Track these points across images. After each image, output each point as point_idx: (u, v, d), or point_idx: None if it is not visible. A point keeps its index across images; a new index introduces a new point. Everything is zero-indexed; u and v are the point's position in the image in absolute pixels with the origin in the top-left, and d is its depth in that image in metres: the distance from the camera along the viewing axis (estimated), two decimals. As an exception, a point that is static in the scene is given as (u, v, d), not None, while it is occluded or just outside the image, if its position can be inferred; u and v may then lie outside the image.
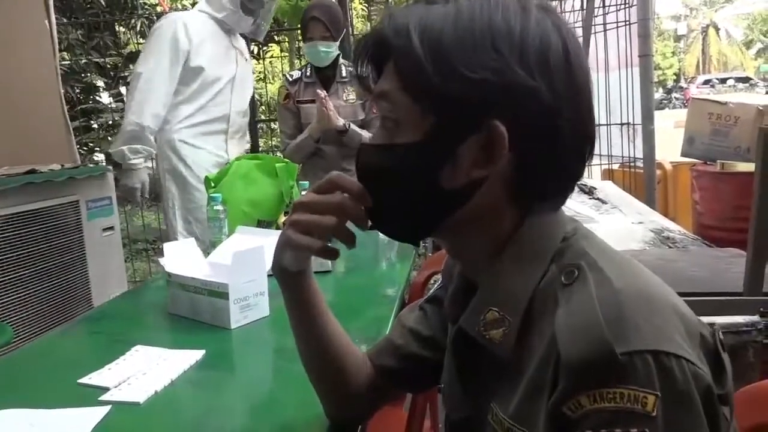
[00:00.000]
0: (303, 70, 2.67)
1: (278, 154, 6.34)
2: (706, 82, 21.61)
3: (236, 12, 2.51)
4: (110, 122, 6.26)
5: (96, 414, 0.90)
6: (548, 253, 0.60)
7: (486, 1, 0.59)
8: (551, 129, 0.58)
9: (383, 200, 0.65)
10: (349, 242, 0.69)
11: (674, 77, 31.30)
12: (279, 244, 0.73)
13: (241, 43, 2.70)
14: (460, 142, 0.59)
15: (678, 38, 36.46)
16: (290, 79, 2.67)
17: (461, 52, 0.56)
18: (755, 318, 1.42)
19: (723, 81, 21.10)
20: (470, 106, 0.57)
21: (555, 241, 0.61)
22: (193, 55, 2.46)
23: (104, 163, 5.00)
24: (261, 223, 2.07)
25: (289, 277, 0.75)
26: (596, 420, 0.48)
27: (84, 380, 1.03)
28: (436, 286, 0.84)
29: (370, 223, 0.68)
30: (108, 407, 0.92)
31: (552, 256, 0.60)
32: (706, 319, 1.43)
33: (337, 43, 2.51)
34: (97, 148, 5.68)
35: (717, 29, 35.34)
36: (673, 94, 20.65)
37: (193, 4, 6.49)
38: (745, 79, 21.53)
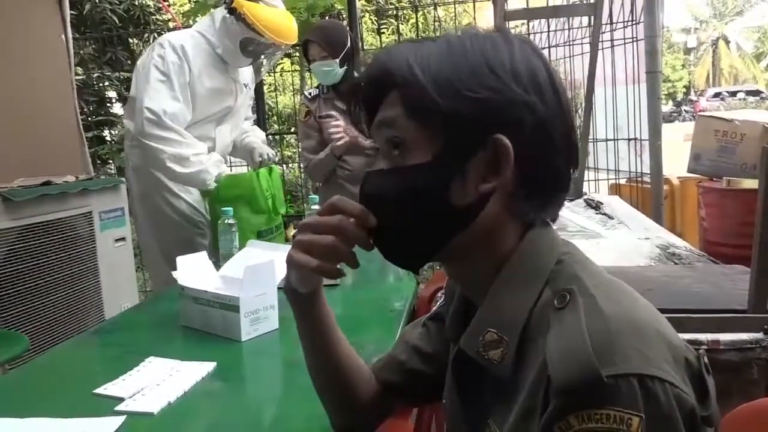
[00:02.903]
0: (321, 88, 2.70)
1: (286, 167, 6.40)
2: (716, 95, 21.49)
3: (235, 51, 2.38)
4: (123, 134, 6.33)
5: (111, 424, 0.93)
6: (543, 275, 0.63)
7: (473, 36, 0.65)
8: (547, 139, 0.63)
9: (393, 225, 0.67)
10: (349, 263, 0.70)
11: (684, 90, 31.20)
12: (286, 265, 0.75)
13: (243, 70, 2.56)
14: (468, 158, 0.62)
15: (688, 51, 36.38)
16: (309, 97, 2.71)
17: (461, 77, 0.62)
18: (759, 335, 1.42)
19: (733, 94, 20.98)
20: (475, 123, 0.62)
21: (550, 263, 0.63)
22: (190, 87, 2.33)
23: (116, 175, 5.07)
24: (261, 234, 2.16)
25: (299, 297, 0.77)
26: None
27: (99, 390, 1.06)
28: (438, 303, 0.86)
29: (372, 243, 0.69)
30: (123, 417, 0.95)
31: (547, 279, 0.62)
32: (710, 336, 1.45)
33: (338, 60, 2.51)
34: (111, 160, 5.74)
35: (727, 42, 35.24)
36: (683, 107, 20.60)
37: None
38: (756, 92, 21.41)
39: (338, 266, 0.71)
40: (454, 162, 0.63)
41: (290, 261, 0.72)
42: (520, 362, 0.60)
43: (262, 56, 2.50)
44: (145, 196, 2.48)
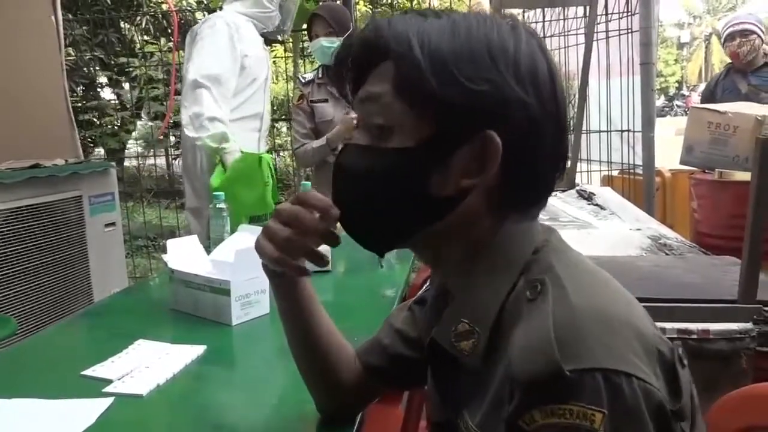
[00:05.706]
0: (315, 72, 2.73)
1: (277, 155, 6.37)
2: (708, 90, 21.49)
3: (274, 11, 2.57)
4: (117, 119, 6.28)
5: (100, 405, 0.92)
6: (518, 265, 0.61)
7: (480, 18, 0.61)
8: (537, 141, 0.60)
9: (362, 203, 0.65)
10: (312, 260, 0.70)
11: (676, 85, 31.26)
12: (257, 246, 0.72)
13: None
14: (454, 150, 0.60)
15: (681, 46, 36.41)
16: (303, 81, 2.74)
17: (461, 62, 0.58)
18: (749, 325, 1.44)
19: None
20: (469, 116, 0.58)
21: (526, 253, 0.62)
22: (242, 59, 2.45)
23: (104, 159, 5.01)
24: (253, 220, 2.16)
25: (275, 275, 0.76)
26: None
27: (87, 372, 1.05)
28: (425, 287, 0.85)
29: (338, 240, 0.68)
30: (111, 399, 0.94)
31: (522, 269, 0.61)
32: (700, 326, 1.46)
33: (341, 39, 2.55)
34: (98, 144, 5.69)
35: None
36: (675, 102, 20.64)
37: (198, 3, 6.50)
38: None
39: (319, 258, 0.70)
40: (438, 151, 0.60)
41: (256, 246, 0.71)
42: (493, 354, 0.59)
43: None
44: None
